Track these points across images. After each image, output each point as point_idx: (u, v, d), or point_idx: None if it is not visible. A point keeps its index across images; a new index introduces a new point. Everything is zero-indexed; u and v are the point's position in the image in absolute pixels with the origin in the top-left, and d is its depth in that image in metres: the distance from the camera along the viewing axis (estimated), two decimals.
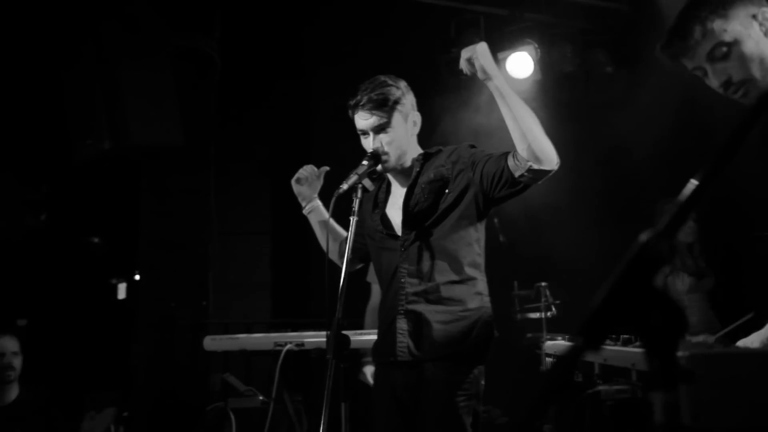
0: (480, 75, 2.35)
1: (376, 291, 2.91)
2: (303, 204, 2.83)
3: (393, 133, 2.51)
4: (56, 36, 4.23)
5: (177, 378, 4.36)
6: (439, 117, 4.56)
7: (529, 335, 4.77)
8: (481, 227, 2.52)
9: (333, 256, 2.75)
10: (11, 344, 3.87)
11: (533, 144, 2.27)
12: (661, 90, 4.11)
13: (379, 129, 2.49)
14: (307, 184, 2.80)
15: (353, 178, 2.46)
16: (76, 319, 6.91)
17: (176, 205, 4.50)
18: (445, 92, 4.71)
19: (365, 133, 2.52)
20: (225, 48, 4.61)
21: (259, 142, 4.96)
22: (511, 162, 2.35)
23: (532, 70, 4.90)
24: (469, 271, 2.47)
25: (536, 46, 4.90)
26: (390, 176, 2.64)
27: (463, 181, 2.47)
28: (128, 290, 7.22)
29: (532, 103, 4.75)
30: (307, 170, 2.79)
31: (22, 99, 5.17)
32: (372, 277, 3.15)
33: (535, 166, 2.30)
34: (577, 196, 4.82)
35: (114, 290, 7.27)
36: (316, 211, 2.81)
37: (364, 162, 2.50)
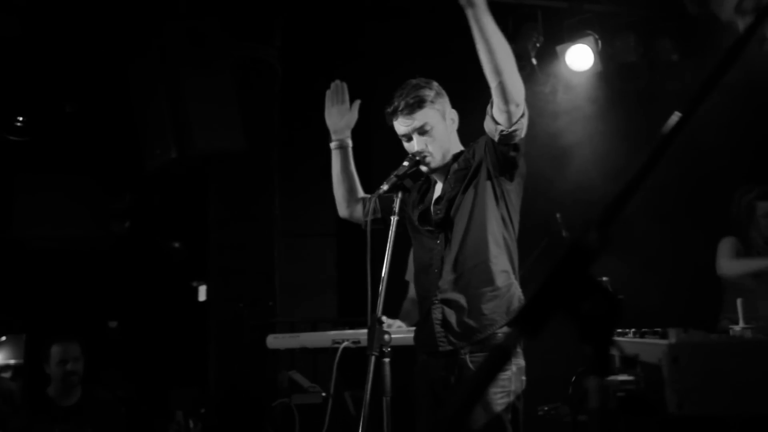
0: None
1: (413, 289, 2.96)
2: (332, 137, 2.87)
3: (434, 133, 2.56)
4: (128, 47, 4.47)
5: (246, 375, 4.52)
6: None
7: None
8: (504, 204, 2.54)
9: (341, 206, 2.89)
10: (74, 349, 4.02)
11: (506, 79, 2.26)
12: (730, 77, 3.96)
13: (421, 131, 2.55)
14: (336, 108, 2.84)
15: (393, 179, 2.52)
16: (161, 320, 7.25)
17: (242, 209, 4.67)
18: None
19: (407, 136, 2.58)
20: (286, 56, 4.75)
21: (322, 146, 5.07)
22: (489, 127, 2.40)
23: (592, 62, 4.81)
24: (494, 250, 2.50)
25: (596, 37, 4.81)
26: (431, 174, 2.69)
27: (476, 162, 2.53)
28: (207, 292, 7.51)
29: (594, 96, 4.68)
30: (334, 86, 2.84)
31: (105, 113, 5.47)
32: (410, 275, 3.20)
33: (504, 126, 2.33)
34: (643, 189, 4.69)
35: (195, 292, 7.57)
36: (343, 150, 2.87)
37: (405, 163, 2.57)
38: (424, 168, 2.61)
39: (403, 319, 3.31)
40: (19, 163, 6.24)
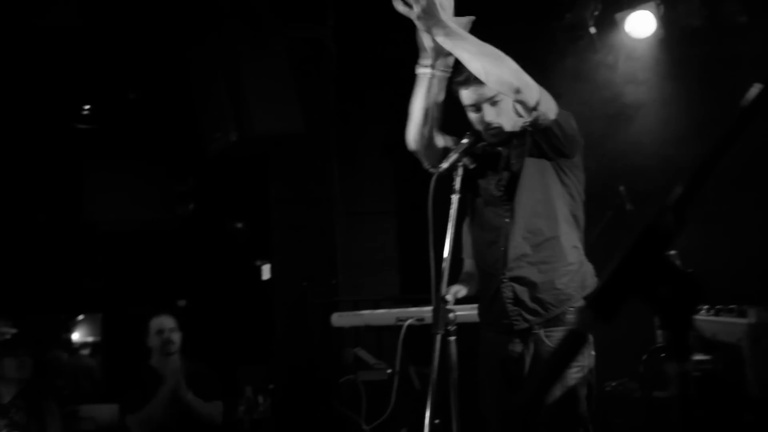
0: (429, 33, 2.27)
1: (468, 265, 2.92)
2: (420, 59, 2.53)
3: (502, 105, 2.53)
4: (188, 34, 4.55)
5: (311, 353, 4.61)
6: (555, 85, 4.45)
7: None
8: (569, 180, 2.51)
9: (414, 133, 2.62)
10: (169, 321, 4.28)
11: (493, 81, 2.32)
12: None
13: (492, 101, 2.51)
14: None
15: (453, 157, 2.50)
16: (227, 299, 7.43)
17: (302, 189, 4.73)
18: (560, 59, 4.59)
19: (476, 106, 2.54)
20: (339, 34, 4.75)
21: (380, 124, 5.07)
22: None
23: (654, 28, 4.65)
24: (564, 226, 2.49)
25: (658, 2, 4.64)
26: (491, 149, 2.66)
27: (532, 139, 2.51)
28: (271, 271, 7.64)
29: (656, 63, 4.52)
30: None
31: (167, 99, 5.58)
32: (466, 253, 3.17)
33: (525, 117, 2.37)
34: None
35: (258, 271, 7.72)
36: (433, 78, 2.54)
37: (464, 140, 2.54)
38: (489, 140, 2.58)
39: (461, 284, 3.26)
40: (87, 150, 6.45)
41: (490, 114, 2.51)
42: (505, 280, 2.50)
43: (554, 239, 2.47)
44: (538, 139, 2.45)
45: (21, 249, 8.64)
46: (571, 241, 2.49)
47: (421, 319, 3.60)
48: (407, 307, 3.93)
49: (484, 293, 2.64)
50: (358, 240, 5.01)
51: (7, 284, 8.67)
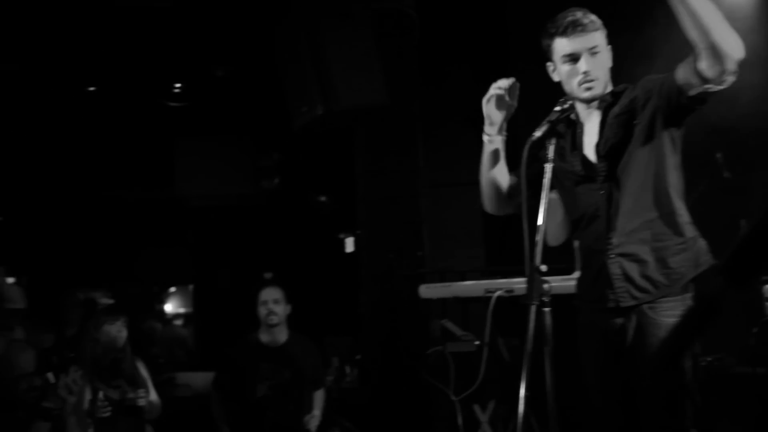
0: None
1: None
2: (488, 129, 2.57)
3: (601, 58, 2.43)
4: (273, 9, 4.59)
5: (398, 325, 4.64)
6: (652, 52, 4.28)
7: None
8: (678, 152, 2.40)
9: (491, 202, 2.66)
10: (275, 293, 4.39)
11: (718, 42, 2.09)
12: None
13: (592, 51, 2.39)
14: (505, 104, 2.55)
15: (546, 126, 2.43)
16: (312, 271, 7.57)
17: (387, 161, 4.73)
18: (655, 25, 4.39)
19: (574, 56, 2.44)
20: (422, 4, 4.69)
21: (464, 94, 5.01)
22: (682, 77, 2.22)
23: None
24: (676, 202, 2.37)
25: None
26: (583, 118, 2.56)
27: (649, 110, 2.35)
28: (355, 244, 7.73)
29: (758, 23, 4.26)
30: (504, 84, 2.49)
31: (254, 75, 5.67)
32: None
33: (714, 83, 2.16)
34: None
35: (342, 244, 7.82)
36: (497, 143, 2.59)
37: (557, 108, 2.47)
38: (581, 95, 2.47)
39: None
40: (178, 127, 6.66)
41: (588, 63, 2.41)
42: (612, 256, 2.39)
43: (667, 215, 2.34)
44: (681, 103, 2.28)
45: (117, 225, 9.05)
46: (684, 216, 2.36)
47: (510, 291, 3.57)
48: (494, 279, 3.91)
49: (587, 269, 2.55)
50: (444, 212, 4.99)
51: (104, 258, 9.12)
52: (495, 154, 2.60)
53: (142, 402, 4.22)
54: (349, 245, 7.73)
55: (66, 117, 6.14)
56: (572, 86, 2.45)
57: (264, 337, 4.42)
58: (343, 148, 5.55)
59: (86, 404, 3.81)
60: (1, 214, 8.17)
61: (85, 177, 7.77)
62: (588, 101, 2.47)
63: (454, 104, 5.15)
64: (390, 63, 4.39)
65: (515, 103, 2.58)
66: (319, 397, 4.52)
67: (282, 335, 4.45)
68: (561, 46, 2.43)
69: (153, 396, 4.31)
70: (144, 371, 4.53)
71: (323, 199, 7.80)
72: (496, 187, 2.63)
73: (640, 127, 2.38)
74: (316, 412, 4.39)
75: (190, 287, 11.28)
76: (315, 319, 7.34)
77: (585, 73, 2.40)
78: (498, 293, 3.57)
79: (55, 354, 3.33)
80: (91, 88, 5.10)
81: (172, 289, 11.95)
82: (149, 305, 11.04)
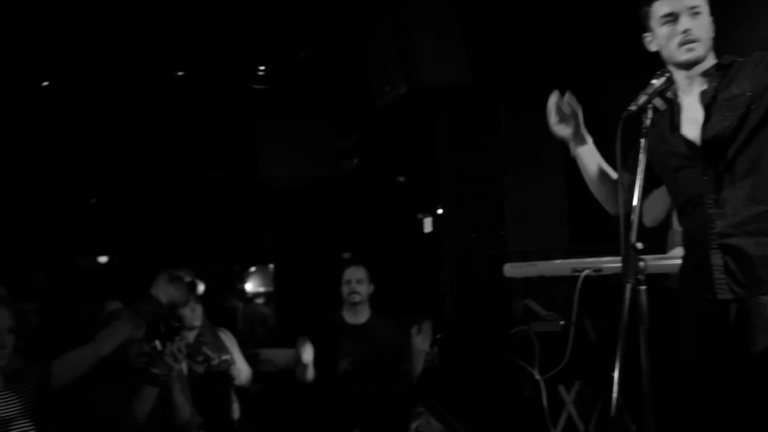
0: None
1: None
2: (570, 147, 2.55)
3: (704, 19, 2.29)
4: None
5: (480, 304, 4.63)
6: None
7: None
8: None
9: (610, 205, 2.56)
10: (358, 272, 4.46)
11: None
12: None
13: (692, 11, 2.26)
14: (566, 120, 2.49)
15: (643, 98, 2.33)
16: (390, 251, 7.62)
17: (470, 140, 4.70)
18: None
19: (674, 15, 2.31)
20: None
21: (547, 71, 4.92)
22: None
23: None
24: None
25: None
26: (683, 90, 2.44)
27: None
28: (433, 224, 7.73)
29: None
30: (554, 105, 2.46)
31: (335, 56, 5.71)
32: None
33: None
34: None
35: (420, 224, 7.83)
36: (587, 148, 2.53)
37: (654, 81, 2.36)
38: (680, 58, 2.35)
39: None
40: (259, 109, 6.79)
41: (689, 22, 2.29)
42: (715, 247, 2.27)
43: None
44: None
45: (201, 206, 9.33)
46: None
47: (598, 270, 3.49)
48: (578, 258, 3.84)
49: (690, 257, 2.44)
50: (527, 190, 4.92)
51: (189, 238, 9.42)
52: (590, 163, 2.53)
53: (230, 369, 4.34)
54: (428, 225, 7.74)
55: (155, 101, 6.35)
56: (671, 49, 2.31)
57: (347, 315, 4.50)
58: (424, 127, 5.54)
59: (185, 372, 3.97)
60: (94, 195, 8.55)
61: (171, 159, 8.04)
62: (689, 65, 2.31)
63: (537, 81, 5.05)
64: (472, 40, 4.35)
65: (578, 109, 2.50)
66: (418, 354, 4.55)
67: (364, 314, 4.52)
68: (659, 6, 2.31)
69: (241, 363, 4.45)
70: (228, 341, 4.66)
71: (402, 179, 7.82)
72: (607, 189, 2.54)
73: (759, 111, 2.22)
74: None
75: (270, 267, 11.55)
76: (393, 299, 7.39)
77: (685, 31, 2.26)
78: (585, 272, 3.49)
79: (162, 321, 3.46)
80: (180, 73, 5.25)
81: (252, 269, 12.26)
82: (231, 284, 11.38)
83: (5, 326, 2.87)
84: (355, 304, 4.46)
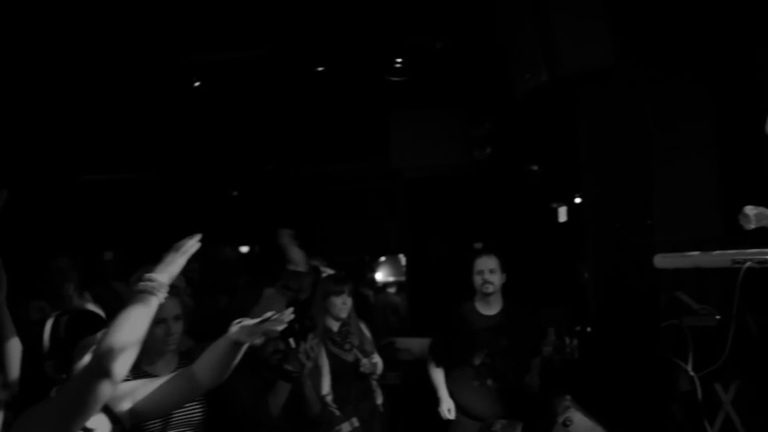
0: None
1: None
2: None
3: None
4: None
5: (626, 296, 4.46)
6: None
7: None
8: None
9: None
10: (490, 262, 4.46)
11: None
12: None
13: None
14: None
15: None
16: (524, 241, 7.49)
17: (612, 126, 4.53)
18: None
19: None
20: None
21: (695, 51, 4.64)
22: None
23: None
24: None
25: None
26: None
27: None
28: (568, 213, 7.53)
29: None
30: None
31: (470, 45, 5.66)
32: None
33: None
34: None
35: (555, 214, 7.65)
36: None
37: None
38: None
39: None
40: (393, 100, 6.87)
41: None
42: None
43: None
44: None
45: (333, 196, 9.57)
46: None
47: (762, 262, 3.27)
48: (734, 248, 3.60)
49: None
50: (675, 177, 4.68)
51: (318, 228, 9.69)
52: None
53: (370, 368, 4.43)
54: (563, 215, 7.55)
55: (294, 97, 6.56)
56: None
57: (480, 306, 4.46)
58: (562, 114, 5.39)
59: (324, 369, 4.08)
60: (236, 188, 8.97)
61: (306, 152, 8.29)
62: None
63: (684, 62, 4.78)
64: (617, 22, 4.17)
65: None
66: (535, 364, 4.49)
67: (497, 304, 4.47)
68: None
69: (376, 358, 4.53)
70: (369, 335, 4.76)
71: (535, 168, 7.66)
72: None
73: None
74: (533, 373, 4.38)
75: (400, 257, 11.67)
76: (527, 289, 7.27)
77: None
78: (748, 264, 3.29)
79: (296, 321, 3.58)
80: (320, 68, 5.40)
81: (382, 259, 12.43)
82: (361, 274, 11.59)
83: (172, 315, 3.06)
84: (488, 295, 4.42)
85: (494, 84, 5.98)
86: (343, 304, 4.43)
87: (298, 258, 3.38)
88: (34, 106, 6.42)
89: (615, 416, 3.64)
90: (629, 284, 4.41)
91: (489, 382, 4.31)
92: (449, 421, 4.39)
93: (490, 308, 4.46)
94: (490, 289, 4.39)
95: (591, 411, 3.77)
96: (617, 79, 4.26)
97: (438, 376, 4.46)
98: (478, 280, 4.41)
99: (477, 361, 4.34)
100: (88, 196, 8.64)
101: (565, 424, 3.20)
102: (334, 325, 4.50)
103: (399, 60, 5.36)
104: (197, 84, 5.54)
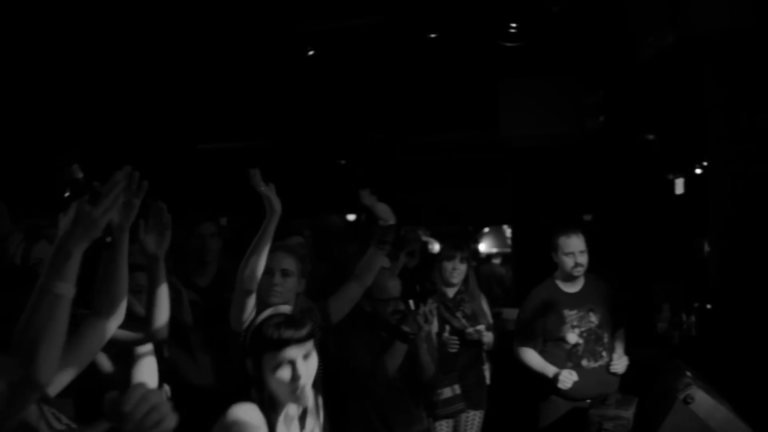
0: None
1: None
2: None
3: None
4: None
5: (752, 271, 4.23)
6: None
7: None
8: None
9: None
10: (580, 243, 4.23)
11: None
12: None
13: None
14: None
15: None
16: (637, 213, 7.22)
17: (744, 93, 4.25)
18: None
19: None
20: None
21: None
22: None
23: None
24: None
25: None
26: None
27: None
28: (685, 185, 7.19)
29: None
30: None
31: (587, 9, 5.45)
32: None
33: None
34: None
35: (671, 185, 7.33)
36: None
37: None
38: None
39: None
40: (502, 68, 6.73)
41: None
42: None
43: None
44: None
45: (438, 166, 9.53)
46: None
47: None
48: None
49: None
50: None
51: (422, 198, 9.70)
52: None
53: (482, 337, 4.41)
54: (679, 186, 7.22)
55: (404, 64, 6.54)
56: None
57: (563, 283, 4.28)
58: (685, 78, 5.12)
59: (434, 335, 4.10)
60: (344, 157, 9.08)
61: (412, 121, 8.28)
62: None
63: None
64: None
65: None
66: (620, 338, 4.32)
67: (580, 280, 4.29)
68: None
69: (485, 330, 4.49)
70: (485, 305, 4.73)
71: (651, 137, 7.34)
72: None
73: None
74: (620, 352, 4.22)
75: (504, 227, 11.54)
76: (641, 263, 7.02)
77: None
78: None
79: (417, 283, 3.61)
80: (432, 35, 5.34)
81: (486, 230, 12.33)
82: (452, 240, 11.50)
83: (279, 268, 3.15)
84: (577, 276, 4.25)
85: (610, 49, 5.75)
86: (453, 269, 4.44)
87: (384, 212, 3.40)
88: (153, 78, 6.70)
89: (738, 396, 3.48)
90: (758, 260, 4.17)
91: (584, 362, 4.16)
92: (543, 402, 4.25)
93: (574, 285, 4.28)
94: (581, 271, 4.21)
95: (712, 389, 3.62)
96: (753, 39, 3.97)
97: (532, 354, 4.28)
98: (569, 261, 4.18)
99: (569, 342, 4.20)
100: (203, 163, 8.99)
101: (686, 402, 3.07)
102: (449, 291, 4.51)
103: (514, 25, 5.22)
104: (311, 53, 5.61)
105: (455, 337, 4.33)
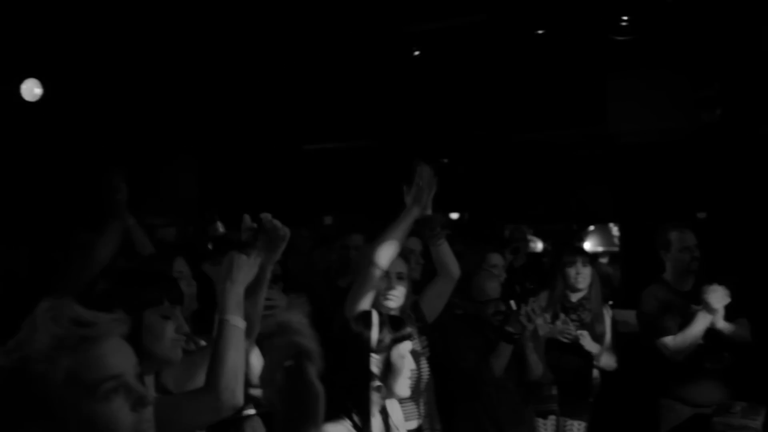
0: None
1: None
2: None
3: None
4: None
5: None
6: None
7: None
8: None
9: None
10: (694, 237, 4.09)
11: None
12: None
13: None
14: None
15: None
16: (757, 210, 6.86)
17: None
18: None
19: None
20: None
21: None
22: None
23: None
24: None
25: None
26: None
27: None
28: None
29: None
30: None
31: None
32: None
33: None
34: None
35: None
36: None
37: None
38: None
39: None
40: (610, 62, 6.55)
41: None
42: None
43: None
44: None
45: (545, 163, 9.39)
46: None
47: None
48: None
49: None
50: None
51: (528, 196, 9.56)
52: None
53: (583, 342, 4.25)
54: None
55: (510, 62, 6.49)
56: None
57: (676, 282, 4.09)
58: None
59: (544, 332, 4.01)
60: (447, 156, 9.08)
61: (517, 118, 8.18)
62: None
63: None
64: None
65: None
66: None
67: (690, 280, 4.08)
68: None
69: (590, 342, 4.33)
70: (608, 318, 4.53)
71: None
72: None
73: None
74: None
75: (610, 225, 11.18)
76: (762, 264, 6.64)
77: None
78: None
79: (517, 283, 3.61)
80: (540, 31, 5.27)
81: (591, 228, 11.97)
82: (569, 243, 11.24)
83: (395, 272, 3.19)
84: (691, 272, 4.04)
85: (728, 38, 5.48)
86: (577, 275, 4.27)
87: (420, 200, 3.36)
88: (263, 80, 6.93)
89: None
90: None
91: (707, 365, 3.95)
92: (662, 408, 4.08)
93: (686, 284, 4.08)
94: (697, 265, 4.02)
95: None
96: None
97: (678, 335, 4.01)
98: (685, 257, 4.01)
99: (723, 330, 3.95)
100: (308, 163, 9.22)
101: None
102: (573, 296, 4.37)
103: (625, 18, 5.07)
104: (417, 53, 5.65)
105: (569, 328, 4.22)
